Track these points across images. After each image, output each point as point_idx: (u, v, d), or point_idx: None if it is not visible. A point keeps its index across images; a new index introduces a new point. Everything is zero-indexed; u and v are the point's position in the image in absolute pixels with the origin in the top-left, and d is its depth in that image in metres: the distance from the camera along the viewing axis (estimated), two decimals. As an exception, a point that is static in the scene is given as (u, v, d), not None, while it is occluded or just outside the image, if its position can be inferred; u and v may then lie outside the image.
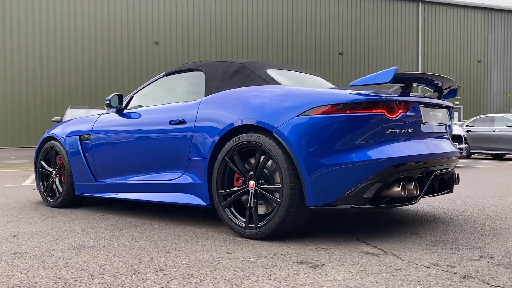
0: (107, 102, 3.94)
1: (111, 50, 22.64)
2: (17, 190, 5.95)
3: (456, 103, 32.65)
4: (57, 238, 3.02)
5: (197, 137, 3.21)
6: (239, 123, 2.96)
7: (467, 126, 15.04)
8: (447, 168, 3.16)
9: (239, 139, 2.94)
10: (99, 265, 2.33)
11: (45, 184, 4.57)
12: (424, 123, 2.94)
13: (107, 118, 4.09)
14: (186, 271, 2.19)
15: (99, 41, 22.43)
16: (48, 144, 4.54)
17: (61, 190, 4.36)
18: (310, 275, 2.11)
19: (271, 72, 3.39)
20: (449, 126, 3.39)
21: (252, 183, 2.90)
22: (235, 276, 2.10)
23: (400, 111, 2.74)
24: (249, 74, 3.30)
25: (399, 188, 2.67)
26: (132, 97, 4.08)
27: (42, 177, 4.63)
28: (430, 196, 3.22)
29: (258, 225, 2.84)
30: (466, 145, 11.34)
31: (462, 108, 32.01)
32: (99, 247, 2.73)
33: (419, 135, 2.91)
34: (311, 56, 27.44)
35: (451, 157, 3.20)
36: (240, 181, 3.02)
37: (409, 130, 2.81)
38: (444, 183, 3.24)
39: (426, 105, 3.01)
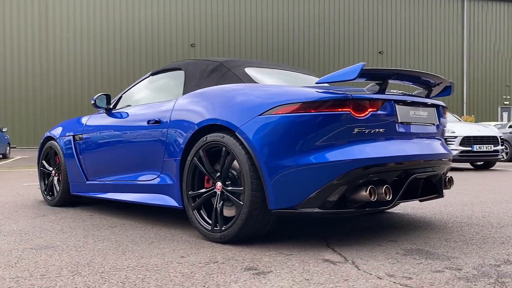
0: (93, 102, 3.96)
1: (148, 53, 23.15)
2: (32, 189, 6.13)
3: (505, 103, 31.13)
4: (29, 237, 3.04)
5: (170, 137, 3.15)
6: (207, 122, 2.88)
7: (510, 127, 14.27)
8: (434, 171, 2.93)
9: (206, 139, 2.86)
10: (47, 265, 2.31)
11: (46, 183, 4.66)
12: (400, 123, 2.74)
13: (97, 118, 4.13)
14: (125, 275, 2.13)
15: (136, 44, 22.99)
16: (48, 144, 4.64)
17: (58, 189, 4.43)
18: (248, 282, 1.99)
19: (250, 70, 3.29)
20: (439, 125, 3.14)
21: (218, 184, 2.81)
22: (170, 282, 2.02)
23: (369, 110, 2.55)
24: (226, 73, 3.22)
25: (366, 192, 2.49)
26: (121, 97, 4.08)
27: (43, 176, 4.73)
28: (420, 200, 3.02)
29: (223, 229, 2.74)
30: (503, 146, 10.69)
31: (511, 109, 30.53)
32: (62, 247, 2.72)
33: (394, 135, 2.71)
34: (349, 55, 26.96)
35: (439, 159, 2.98)
36: (210, 182, 2.94)
37: (381, 130, 2.62)
38: (432, 186, 3.01)
39: (404, 103, 2.80)
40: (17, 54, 21.75)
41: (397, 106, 2.72)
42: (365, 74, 2.62)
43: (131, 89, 4.07)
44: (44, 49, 21.90)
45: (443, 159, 3.02)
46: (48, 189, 4.60)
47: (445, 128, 3.31)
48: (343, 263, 2.29)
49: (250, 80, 3.13)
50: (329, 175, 2.45)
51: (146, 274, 2.13)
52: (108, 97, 3.99)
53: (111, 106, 4.01)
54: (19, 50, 21.76)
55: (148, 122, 3.38)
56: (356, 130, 2.51)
